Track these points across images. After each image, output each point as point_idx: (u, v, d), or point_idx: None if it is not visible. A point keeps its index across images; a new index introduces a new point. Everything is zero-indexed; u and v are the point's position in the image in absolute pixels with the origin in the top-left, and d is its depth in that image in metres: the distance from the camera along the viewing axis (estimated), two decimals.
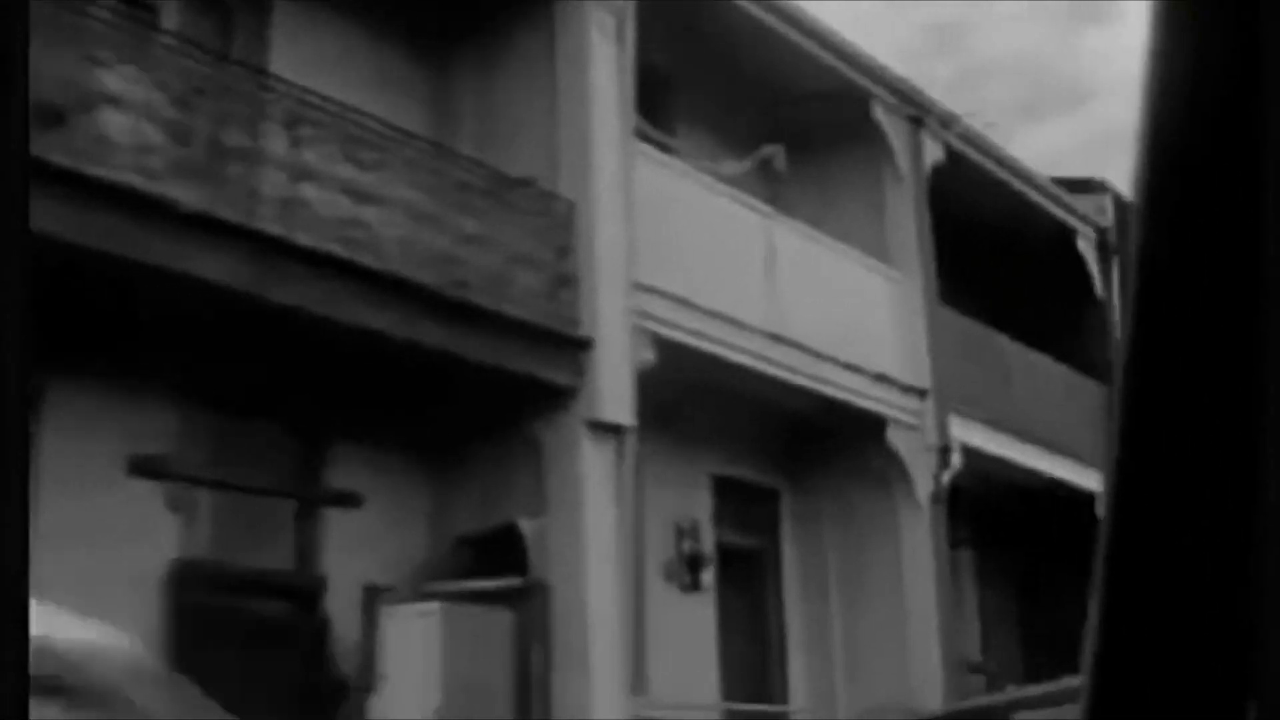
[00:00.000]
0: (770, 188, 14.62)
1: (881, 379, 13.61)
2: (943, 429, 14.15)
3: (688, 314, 11.68)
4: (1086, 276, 17.89)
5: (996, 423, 15.37)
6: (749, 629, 13.96)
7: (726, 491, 13.71)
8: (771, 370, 12.58)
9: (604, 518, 10.52)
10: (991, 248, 17.68)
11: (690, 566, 12.95)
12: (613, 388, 10.72)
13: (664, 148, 13.42)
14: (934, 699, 13.47)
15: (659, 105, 14.02)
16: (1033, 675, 17.40)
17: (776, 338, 12.54)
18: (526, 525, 10.37)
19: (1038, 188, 17.20)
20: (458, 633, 9.65)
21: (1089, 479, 16.98)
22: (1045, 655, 17.24)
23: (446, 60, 12.02)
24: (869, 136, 14.72)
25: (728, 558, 13.63)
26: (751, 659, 13.80)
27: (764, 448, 14.17)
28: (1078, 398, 17.26)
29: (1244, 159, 0.78)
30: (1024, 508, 17.35)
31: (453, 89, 11.95)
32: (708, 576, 13.09)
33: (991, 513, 17.22)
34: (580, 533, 10.35)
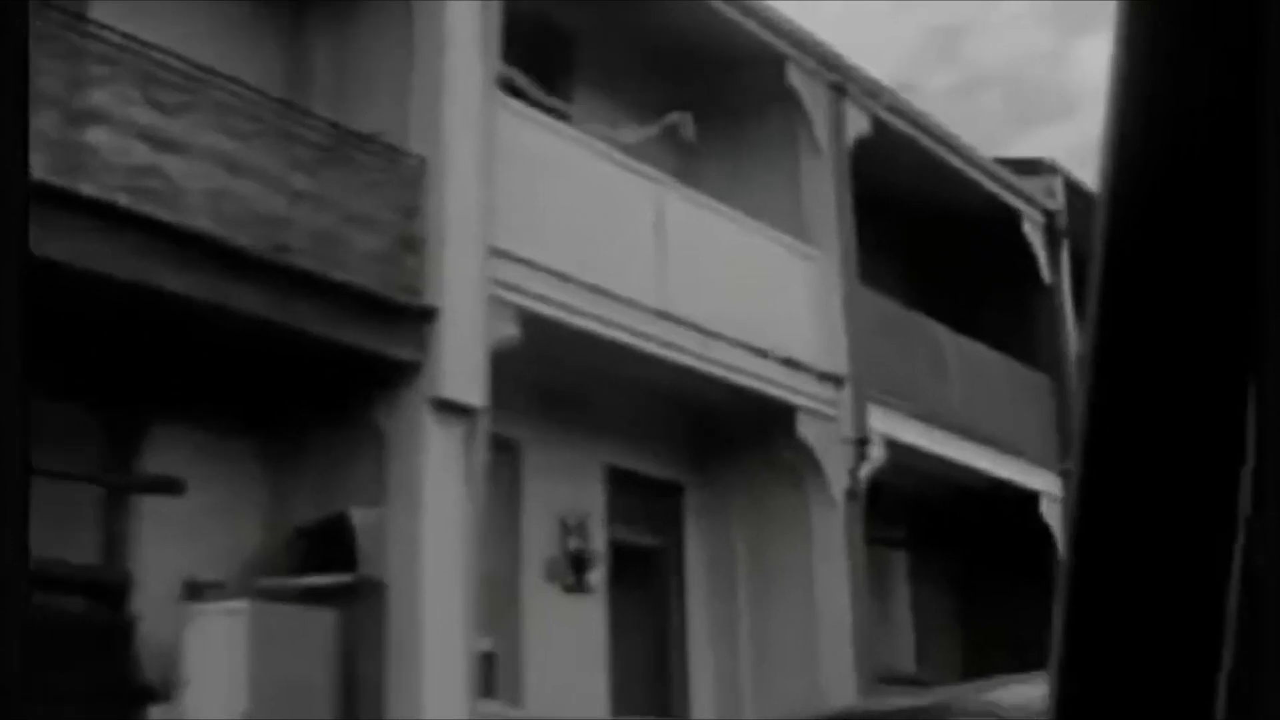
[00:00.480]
0: (680, 158, 13.61)
1: (791, 364, 12.56)
2: (860, 420, 13.10)
3: (560, 286, 10.65)
4: (1033, 262, 16.84)
5: (928, 416, 14.32)
6: (647, 633, 12.91)
7: (623, 485, 12.67)
8: (660, 351, 11.55)
9: (449, 508, 9.48)
10: (929, 230, 16.66)
11: (575, 566, 11.91)
12: (462, 364, 9.69)
13: (559, 113, 12.42)
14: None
15: (558, 66, 13.02)
16: (979, 675, 16.36)
17: (665, 315, 11.50)
18: (359, 516, 9.33)
19: (978, 166, 16.15)
20: (269, 633, 8.62)
21: (1033, 478, 15.93)
22: (988, 661, 16.19)
23: (300, 10, 11.00)
24: (786, 104, 13.69)
25: (624, 556, 12.60)
26: (648, 665, 12.75)
27: (668, 439, 13.14)
28: (1022, 391, 16.21)
29: (1213, 158, 0.78)
30: (964, 508, 16.30)
31: (306, 41, 10.93)
32: (596, 576, 12.05)
33: (928, 513, 16.17)
34: (418, 524, 9.30)
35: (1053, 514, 16.02)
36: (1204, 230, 0.78)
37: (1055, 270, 17.04)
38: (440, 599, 9.25)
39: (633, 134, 12.79)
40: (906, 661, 15.88)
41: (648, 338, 11.48)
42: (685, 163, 13.70)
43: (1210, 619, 0.78)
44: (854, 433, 12.95)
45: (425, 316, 9.56)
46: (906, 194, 16.01)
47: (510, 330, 10.11)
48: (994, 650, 15.82)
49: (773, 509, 13.08)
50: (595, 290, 10.89)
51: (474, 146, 10.08)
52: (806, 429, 12.70)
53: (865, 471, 13.12)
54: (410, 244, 9.67)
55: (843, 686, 12.49)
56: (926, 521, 16.20)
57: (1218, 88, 0.78)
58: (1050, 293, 16.91)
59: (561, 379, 11.91)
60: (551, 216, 10.79)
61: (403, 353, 9.51)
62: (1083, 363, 0.82)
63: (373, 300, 9.38)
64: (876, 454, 13.32)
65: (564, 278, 10.70)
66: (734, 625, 13.05)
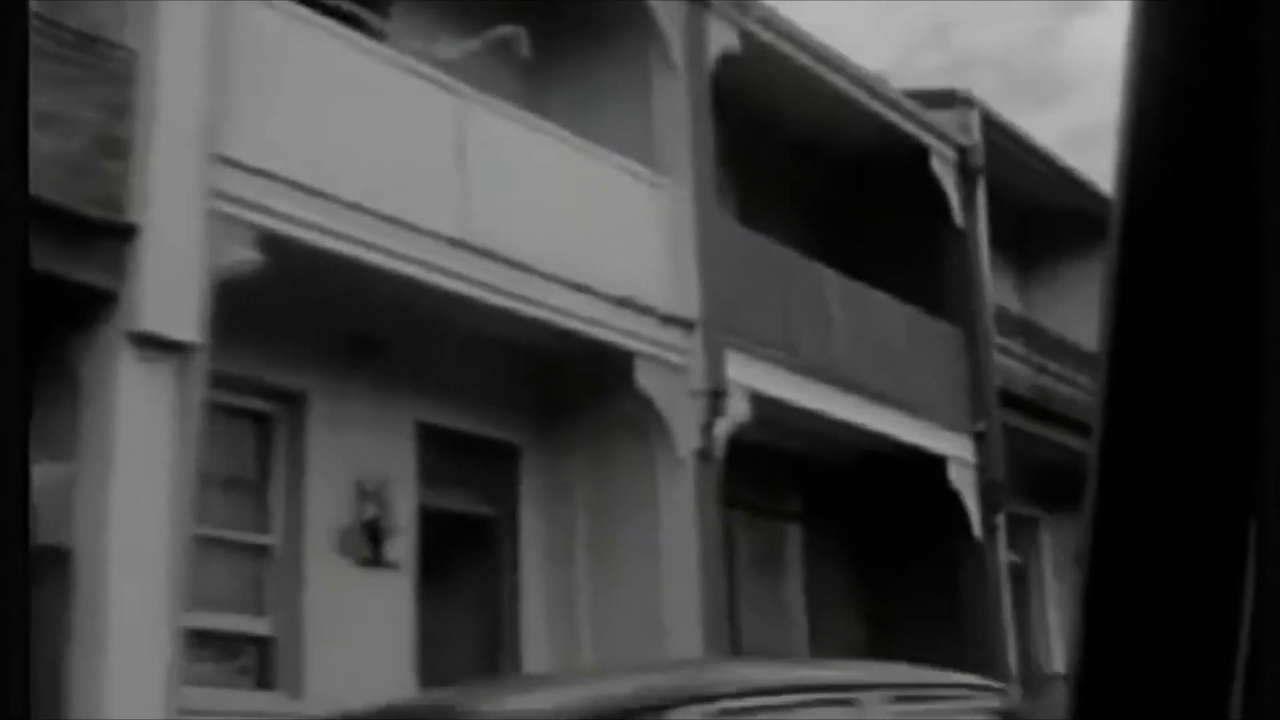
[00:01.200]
0: (522, 81, 12.07)
1: (626, 304, 11.00)
2: (715, 369, 11.54)
3: (320, 206, 9.10)
4: (944, 203, 15.24)
5: (807, 368, 12.75)
6: (470, 612, 11.40)
7: (442, 445, 11.14)
8: (466, 290, 10.01)
9: (151, 463, 7.95)
10: (824, 166, 15.10)
11: (372, 536, 10.39)
12: (171, 292, 8.15)
13: (370, 28, 10.89)
14: None
15: None
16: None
17: (466, 246, 9.95)
18: (40, 472, 7.79)
19: (876, 94, 14.55)
20: None
21: (941, 440, 14.37)
22: (890, 638, 14.64)
23: None
24: (639, 17, 12.12)
25: (442, 525, 11.07)
26: (472, 648, 11.22)
27: (502, 394, 11.60)
28: (928, 344, 14.63)
29: (1227, 155, 0.78)
30: (864, 474, 14.75)
31: None
32: (399, 548, 10.52)
33: (826, 481, 14.61)
34: (108, 482, 7.78)
35: (964, 480, 14.47)
36: (1215, 229, 0.78)
37: (970, 212, 15.46)
38: (133, 571, 7.73)
39: (451, 49, 11.25)
40: (798, 642, 14.34)
41: (448, 273, 9.94)
42: (528, 86, 12.17)
43: (1226, 617, 0.76)
44: (706, 384, 11.39)
45: (123, 235, 8.03)
46: (795, 124, 14.47)
47: (246, 254, 8.57)
48: (897, 627, 14.31)
49: (617, 471, 11.55)
50: (364, 211, 9.35)
51: (198, 40, 8.53)
52: (647, 379, 11.15)
53: (723, 428, 11.57)
54: (112, 148, 8.13)
55: None
56: (824, 491, 14.64)
57: (1229, 85, 0.78)
58: (963, 236, 15.33)
59: (364, 321, 10.40)
60: (311, 127, 9.24)
61: (95, 279, 7.98)
62: (1099, 360, 0.82)
63: (59, 215, 7.84)
64: (738, 409, 11.77)
65: (325, 196, 9.15)
66: (573, 602, 11.53)
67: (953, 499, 14.42)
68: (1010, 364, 16.22)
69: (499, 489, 11.70)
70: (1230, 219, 0.78)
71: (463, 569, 11.46)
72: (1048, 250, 19.15)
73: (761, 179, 14.92)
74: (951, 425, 14.46)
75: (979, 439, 14.76)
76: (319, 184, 9.07)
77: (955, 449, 14.44)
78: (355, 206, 9.39)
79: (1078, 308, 18.63)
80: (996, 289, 17.23)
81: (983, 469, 14.70)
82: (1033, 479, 18.13)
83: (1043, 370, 16.64)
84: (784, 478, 14.36)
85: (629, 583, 11.34)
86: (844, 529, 14.77)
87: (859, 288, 13.78)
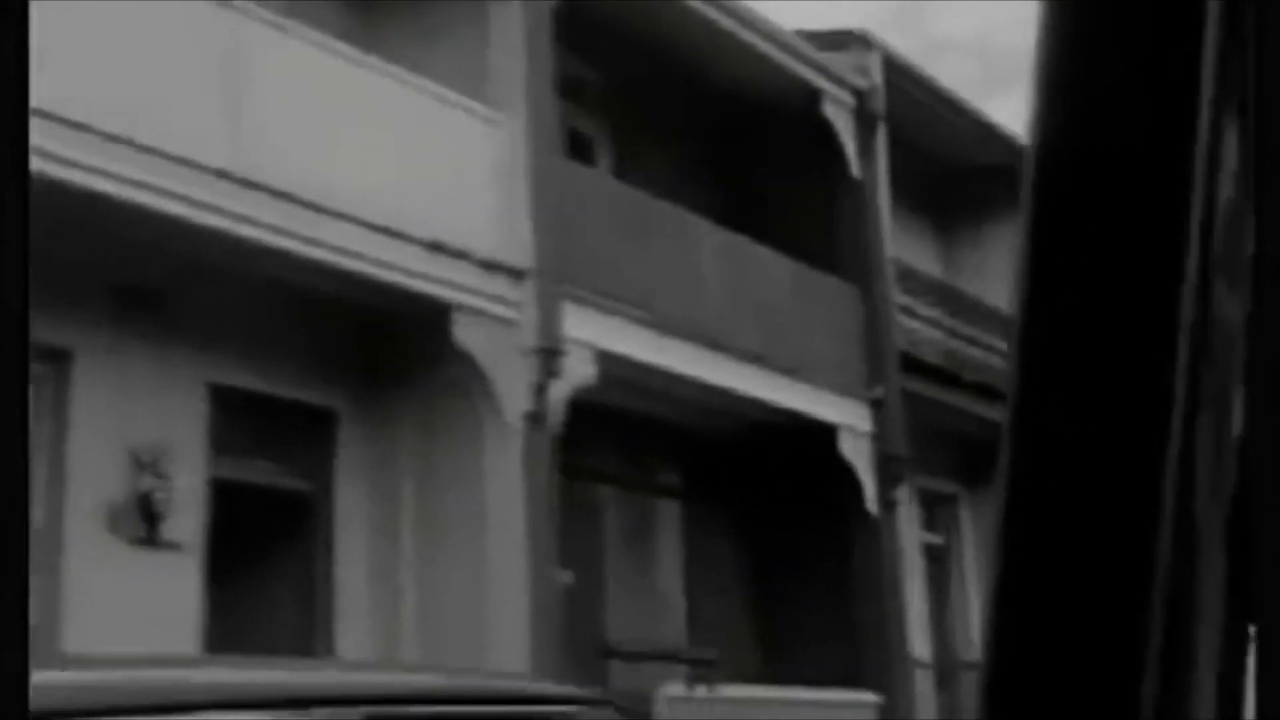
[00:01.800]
0: (355, 15, 10.91)
1: (438, 249, 9.79)
2: (550, 324, 10.34)
3: (73, 138, 7.89)
4: (839, 151, 14.05)
5: (675, 327, 11.58)
6: (277, 595, 10.21)
7: (240, 410, 9.93)
8: (234, 227, 8.80)
9: None
10: (706, 109, 13.91)
11: (147, 512, 9.19)
12: None
13: None
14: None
15: None
16: (774, 657, 13.66)
17: (232, 179, 8.74)
18: None
19: (762, 32, 13.34)
20: None
21: (832, 407, 13.20)
22: (783, 628, 13.51)
23: None
24: None
25: (242, 500, 9.87)
26: (277, 634, 10.03)
27: (313, 352, 10.40)
28: (818, 303, 13.46)
29: (1141, 151, 0.78)
30: (752, 445, 13.58)
31: None
32: (181, 526, 9.33)
33: (707, 451, 13.44)
34: None
35: (857, 450, 13.30)
36: (1133, 214, 0.78)
37: (868, 161, 14.27)
38: None
39: None
40: (674, 629, 13.17)
41: (222, 212, 8.74)
42: (363, 20, 11.00)
43: (1138, 604, 0.76)
44: (539, 340, 10.20)
45: None
46: (676, 66, 13.27)
47: None
48: (787, 612, 13.18)
49: (444, 439, 10.36)
50: (137, 147, 8.16)
51: None
52: (467, 333, 9.95)
53: (561, 390, 10.38)
54: None
55: (515, 659, 9.78)
56: (707, 464, 13.46)
57: (1147, 66, 0.79)
58: (859, 188, 14.14)
59: (134, 270, 9.20)
60: (63, 49, 8.01)
61: None
62: (1010, 328, 0.80)
63: None
64: (581, 369, 10.58)
65: (79, 128, 7.95)
66: (397, 583, 10.35)
67: (846, 472, 13.25)
68: (921, 328, 15.05)
69: (313, 460, 10.51)
70: (1148, 188, 0.77)
71: (269, 549, 10.28)
72: (970, 210, 17.99)
73: (639, 124, 13.74)
74: (844, 391, 13.29)
75: (876, 406, 13.58)
76: (70, 112, 7.85)
77: (848, 417, 13.27)
78: (113, 138, 8.19)
79: (1003, 269, 17.49)
80: (913, 250, 16.15)
81: (880, 439, 13.52)
82: (952, 453, 16.99)
83: (955, 335, 15.48)
84: (659, 449, 13.19)
85: (456, 561, 10.17)
86: (729, 505, 13.59)
87: (736, 240, 12.60)
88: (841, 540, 13.44)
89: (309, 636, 10.21)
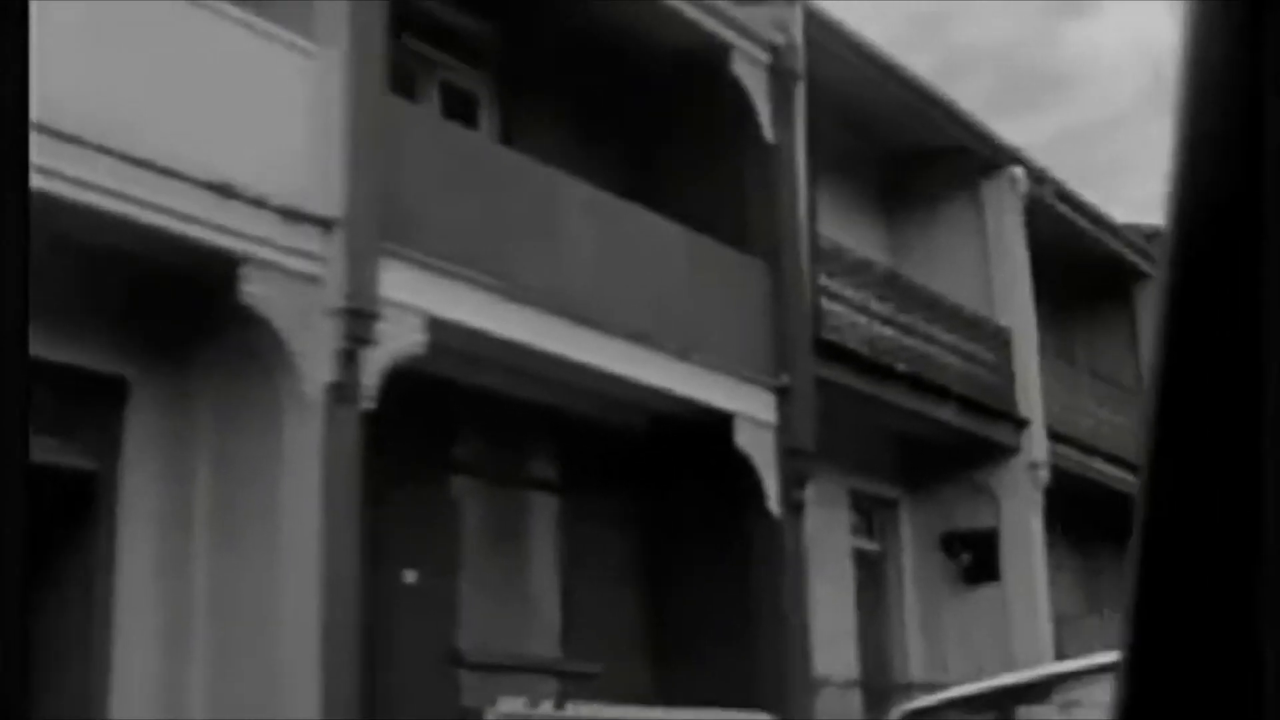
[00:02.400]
0: None
1: (227, 193, 8.46)
2: (363, 282, 8.99)
3: None
4: (749, 113, 12.68)
5: (534, 297, 10.23)
6: (43, 593, 8.88)
7: None
8: None
9: None
10: (603, 66, 12.58)
11: None
12: None
13: None
14: (304, 705, 8.36)
15: None
16: (666, 671, 12.28)
17: None
18: None
19: None
20: None
21: (728, 394, 11.83)
22: (675, 640, 12.14)
23: None
24: None
25: None
26: (43, 634, 8.70)
27: (95, 312, 9.08)
28: (717, 278, 12.09)
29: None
30: (642, 434, 12.24)
31: None
32: None
33: (591, 440, 12.08)
34: None
35: (758, 443, 11.93)
36: (1266, 255, 0.79)
37: (784, 125, 12.89)
38: None
39: None
40: (545, 640, 11.80)
41: None
42: None
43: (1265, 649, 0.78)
44: (347, 300, 8.86)
45: None
46: (561, 14, 11.96)
47: None
48: (681, 623, 11.80)
49: (245, 414, 9.04)
50: None
51: None
52: (260, 291, 8.61)
53: (378, 360, 9.03)
54: None
55: (302, 678, 8.44)
56: (590, 454, 12.10)
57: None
58: (773, 153, 12.75)
59: None
60: None
61: None
62: (1150, 374, 0.84)
63: None
64: (405, 336, 9.24)
65: None
66: (187, 580, 9.02)
67: (744, 467, 11.86)
68: (845, 312, 13.66)
69: (101, 436, 9.19)
70: None
71: (45, 537, 8.96)
72: (920, 194, 16.59)
73: (529, 82, 12.43)
74: (745, 377, 11.90)
75: (781, 395, 12.18)
76: None
77: (747, 405, 11.88)
78: None
79: (953, 257, 16.11)
80: (857, 235, 14.79)
81: (785, 431, 12.12)
82: (893, 454, 15.60)
83: (889, 322, 14.06)
84: (533, 437, 11.83)
85: (250, 558, 8.84)
86: (615, 502, 12.22)
87: (617, 204, 11.25)
88: (740, 544, 12.05)
89: (83, 640, 8.89)
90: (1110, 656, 8.56)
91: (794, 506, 12.16)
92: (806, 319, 12.61)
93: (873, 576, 15.52)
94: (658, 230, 11.57)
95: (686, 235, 11.79)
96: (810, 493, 14.25)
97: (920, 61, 50.02)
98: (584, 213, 10.87)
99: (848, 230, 15.47)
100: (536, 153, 11.32)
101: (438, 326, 9.52)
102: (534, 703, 9.70)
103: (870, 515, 15.73)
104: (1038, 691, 7.88)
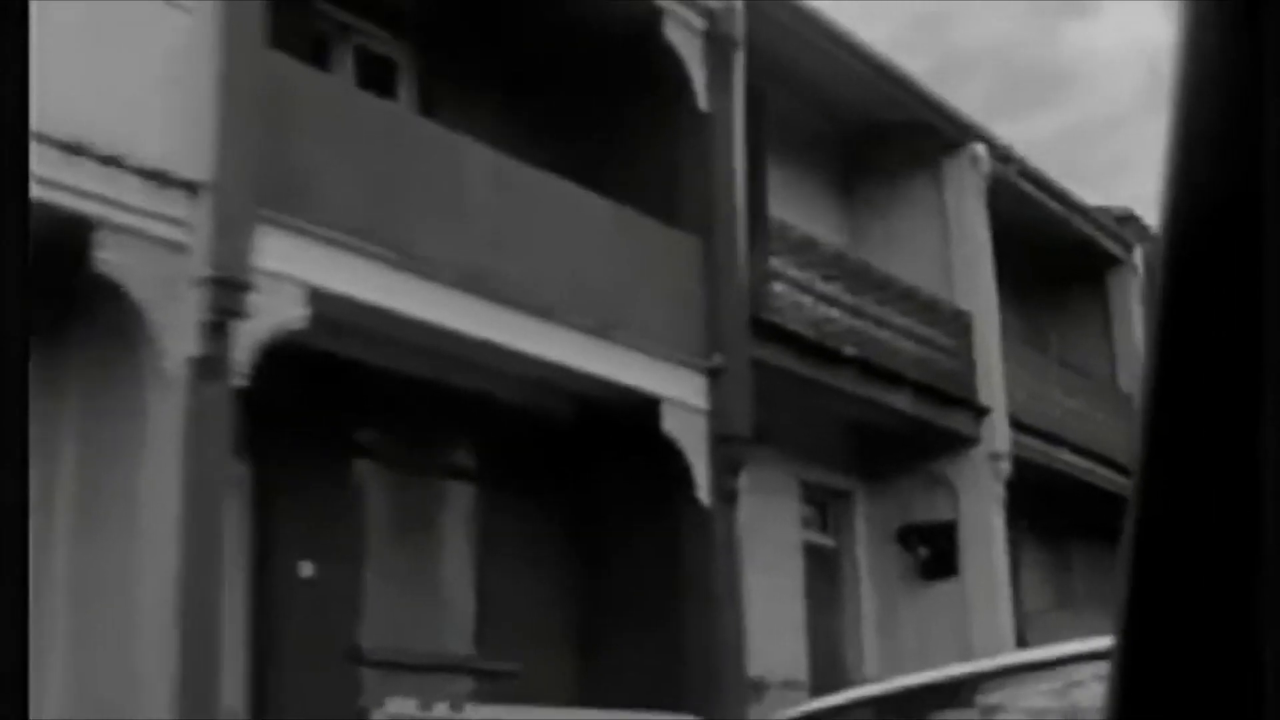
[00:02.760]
0: None
1: (79, 151, 7.80)
2: (231, 250, 8.32)
3: None
4: (684, 81, 12.01)
5: (436, 270, 9.58)
6: None
7: None
8: None
9: None
10: (531, 33, 11.92)
11: None
12: None
13: None
14: (159, 702, 7.71)
15: None
16: (592, 671, 11.64)
17: None
18: None
19: None
20: None
21: (653, 376, 11.17)
22: (603, 639, 11.51)
23: None
24: None
25: None
26: None
27: None
28: (643, 254, 11.43)
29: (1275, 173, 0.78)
30: (565, 419, 11.59)
31: None
32: None
33: (511, 425, 11.43)
34: None
35: (687, 429, 11.27)
36: (1262, 251, 0.79)
37: (721, 93, 12.22)
38: None
39: None
40: (459, 636, 11.15)
41: None
42: None
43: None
44: (215, 269, 8.20)
45: None
46: None
47: None
48: (609, 619, 11.17)
49: (108, 392, 8.40)
50: None
51: None
52: (116, 256, 7.95)
53: (254, 333, 8.38)
54: None
55: (162, 665, 7.79)
56: (511, 440, 11.44)
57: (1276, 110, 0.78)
58: (708, 123, 12.08)
59: None
60: None
61: None
62: (1144, 372, 0.83)
63: None
64: (283, 309, 8.59)
65: None
66: (49, 571, 8.36)
67: (673, 455, 11.20)
68: (788, 291, 12.99)
69: None
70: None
71: None
72: (877, 174, 15.92)
73: (452, 51, 11.79)
74: (673, 358, 11.24)
75: (713, 377, 11.52)
76: None
77: (675, 389, 11.21)
78: None
79: (912, 239, 15.45)
80: (811, 216, 14.15)
81: (718, 417, 11.46)
82: (849, 444, 14.94)
83: (835, 303, 13.39)
84: (447, 422, 11.17)
85: (110, 545, 8.19)
86: (537, 491, 11.55)
87: (531, 174, 10.58)
88: (668, 535, 11.39)
89: None
90: (1038, 654, 7.86)
91: (727, 496, 11.48)
92: (743, 298, 11.93)
93: (825, 571, 14.84)
94: (576, 201, 10.91)
95: (610, 208, 11.13)
96: (755, 483, 13.60)
97: (920, 62, 49.53)
98: (494, 182, 10.21)
99: (802, 209, 14.81)
100: (461, 124, 10.68)
101: (324, 300, 8.87)
102: (428, 704, 9.03)
103: (824, 507, 15.06)
104: (956, 693, 7.21)
